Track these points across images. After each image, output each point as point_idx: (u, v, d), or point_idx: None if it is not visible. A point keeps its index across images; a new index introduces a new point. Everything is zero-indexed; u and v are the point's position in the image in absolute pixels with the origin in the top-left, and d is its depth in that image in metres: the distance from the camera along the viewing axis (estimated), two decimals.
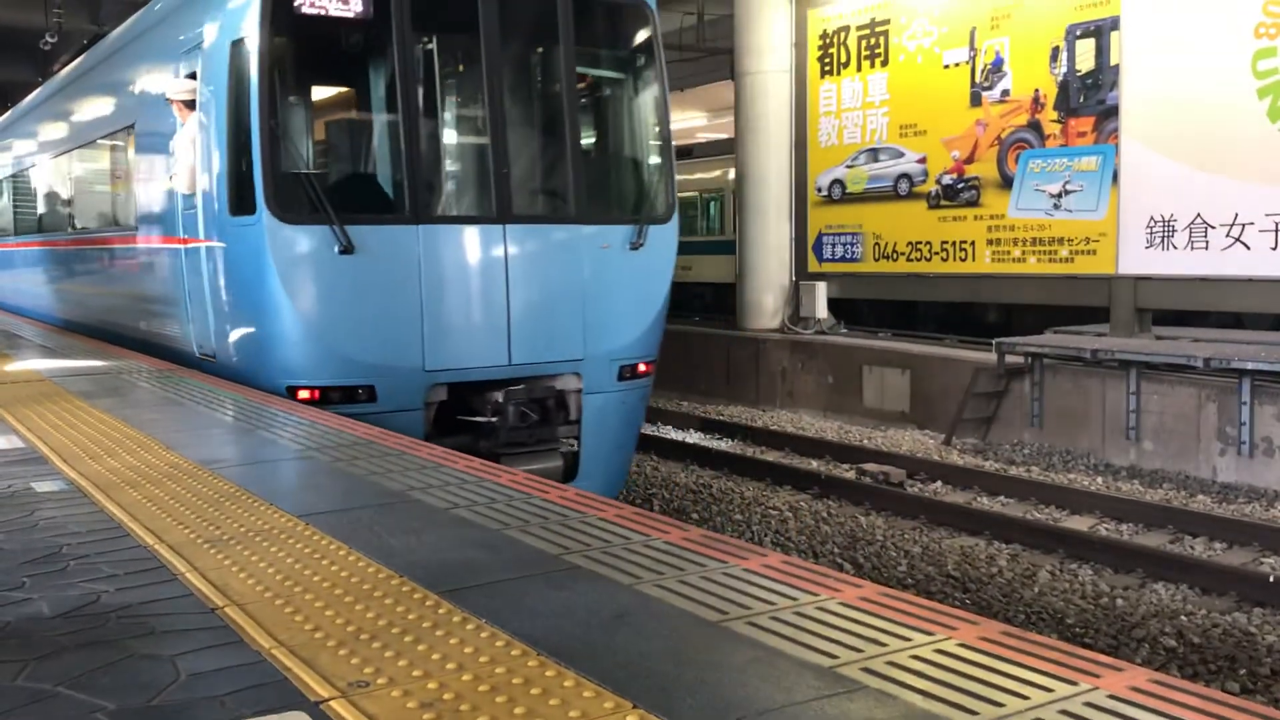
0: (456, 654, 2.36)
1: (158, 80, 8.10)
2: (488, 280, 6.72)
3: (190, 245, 7.36)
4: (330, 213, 6.26)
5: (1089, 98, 11.21)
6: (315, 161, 6.89)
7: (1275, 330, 11.26)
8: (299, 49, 6.65)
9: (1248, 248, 9.90)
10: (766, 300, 14.82)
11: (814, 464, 10.79)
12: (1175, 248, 10.43)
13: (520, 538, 3.27)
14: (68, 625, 2.59)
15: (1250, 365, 8.99)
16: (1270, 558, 7.46)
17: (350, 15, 6.33)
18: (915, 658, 2.31)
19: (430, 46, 6.85)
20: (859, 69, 13.70)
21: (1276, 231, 9.68)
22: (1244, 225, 9.90)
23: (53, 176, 12.52)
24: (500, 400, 6.64)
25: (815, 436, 12.04)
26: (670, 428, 13.06)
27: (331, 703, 2.11)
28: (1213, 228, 10.13)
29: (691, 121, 34.64)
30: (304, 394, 6.47)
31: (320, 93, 7.31)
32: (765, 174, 14.68)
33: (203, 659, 2.36)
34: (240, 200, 6.53)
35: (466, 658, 2.33)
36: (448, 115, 7.15)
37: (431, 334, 6.52)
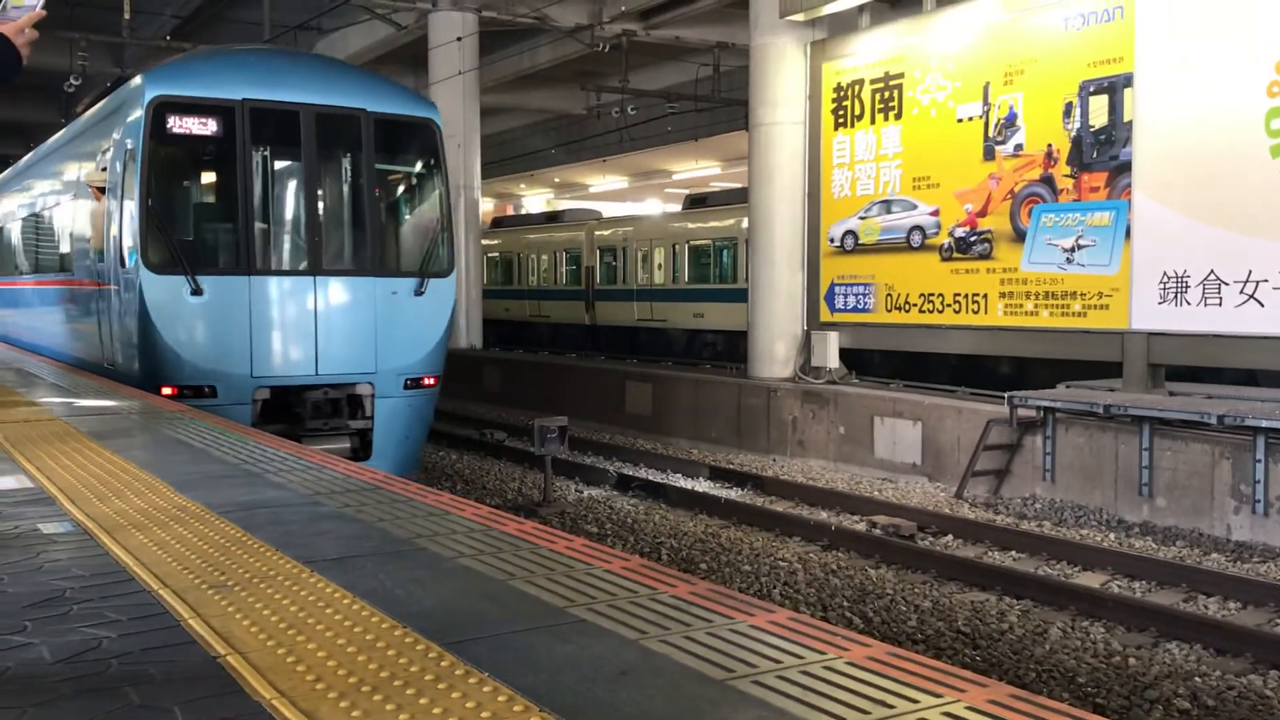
0: (458, 708, 2.33)
1: (84, 169, 11.08)
2: (301, 315, 9.23)
3: (102, 288, 9.96)
4: (186, 266, 8.85)
5: (1102, 153, 11.25)
6: (178, 230, 9.35)
7: None
8: (171, 155, 9.32)
9: (1261, 305, 9.87)
10: (778, 349, 14.82)
11: (824, 515, 10.73)
12: (1188, 304, 10.41)
13: (526, 589, 3.25)
14: (68, 671, 2.57)
15: (1265, 423, 8.93)
16: None
17: (208, 133, 9.07)
18: None
19: (265, 152, 9.45)
20: (873, 121, 13.79)
21: None
22: (1258, 282, 9.89)
23: (18, 231, 15.29)
24: (306, 400, 9.21)
25: (826, 487, 11.99)
26: (680, 476, 13.01)
27: None
28: (1226, 284, 10.12)
29: (706, 171, 34.86)
30: (167, 391, 8.83)
31: (184, 183, 9.90)
32: (778, 224, 14.74)
33: (203, 708, 2.33)
34: (127, 256, 9.05)
35: (467, 712, 2.31)
36: (276, 199, 9.70)
37: (258, 351, 9.03)
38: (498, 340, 28.94)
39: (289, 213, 9.70)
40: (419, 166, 10.33)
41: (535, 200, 43.87)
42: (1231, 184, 10.08)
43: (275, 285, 9.15)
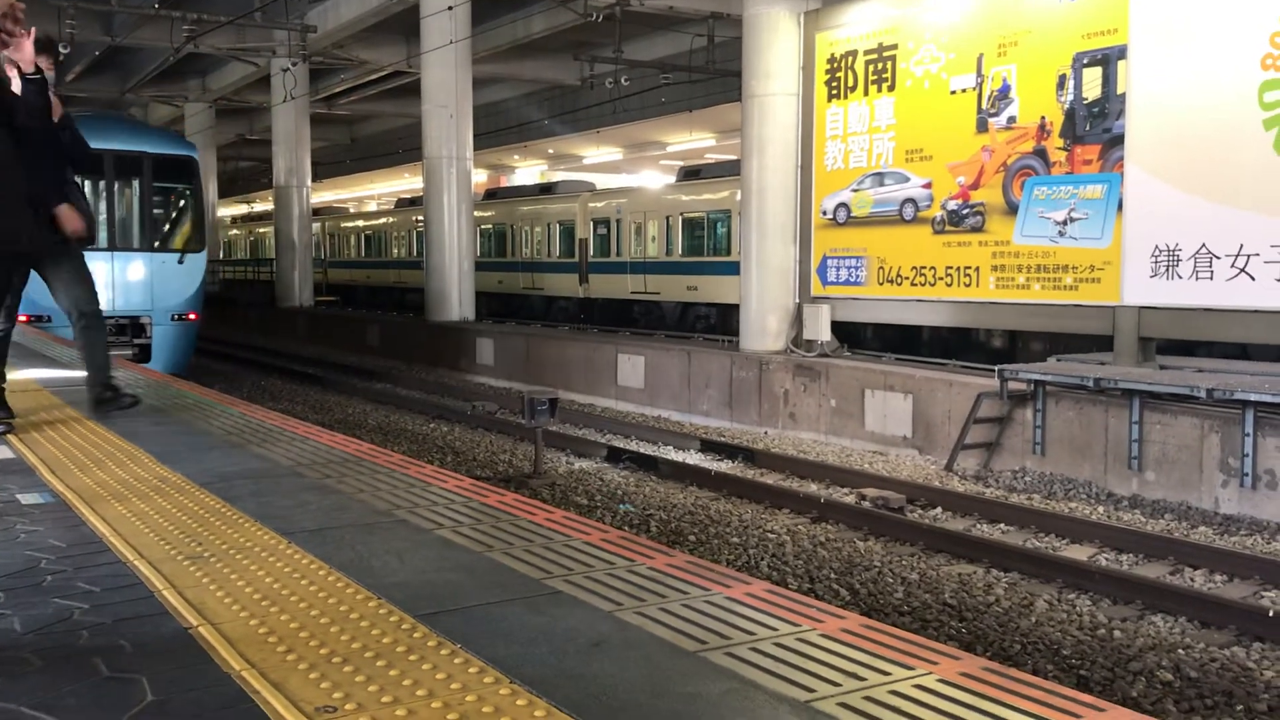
0: (428, 680, 2.32)
1: None
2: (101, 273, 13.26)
3: None
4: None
5: (1095, 126, 11.20)
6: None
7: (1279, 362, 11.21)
8: None
9: (1253, 279, 9.86)
10: (770, 322, 14.80)
11: (814, 487, 10.74)
12: (1180, 277, 10.40)
13: (503, 560, 3.24)
14: (38, 642, 2.56)
15: (1254, 397, 8.93)
16: (1271, 591, 7.39)
17: None
18: (893, 693, 2.27)
19: (90, 178, 14.41)
20: (866, 93, 13.71)
21: None
22: (1249, 256, 9.87)
23: None
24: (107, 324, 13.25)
25: (816, 459, 11.99)
26: (670, 448, 13.01)
27: None
28: (1218, 258, 10.10)
29: (700, 143, 34.72)
30: (22, 317, 10.80)
31: None
32: (771, 196, 14.68)
33: (172, 680, 2.32)
34: None
35: (438, 684, 2.30)
36: (95, 204, 14.24)
37: None
38: (491, 313, 28.88)
39: (102, 213, 15.16)
40: (181, 185, 16.44)
41: (529, 172, 43.70)
42: (1224, 157, 10.05)
43: (92, 256, 12.09)
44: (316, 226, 36.26)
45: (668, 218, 23.41)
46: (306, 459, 4.84)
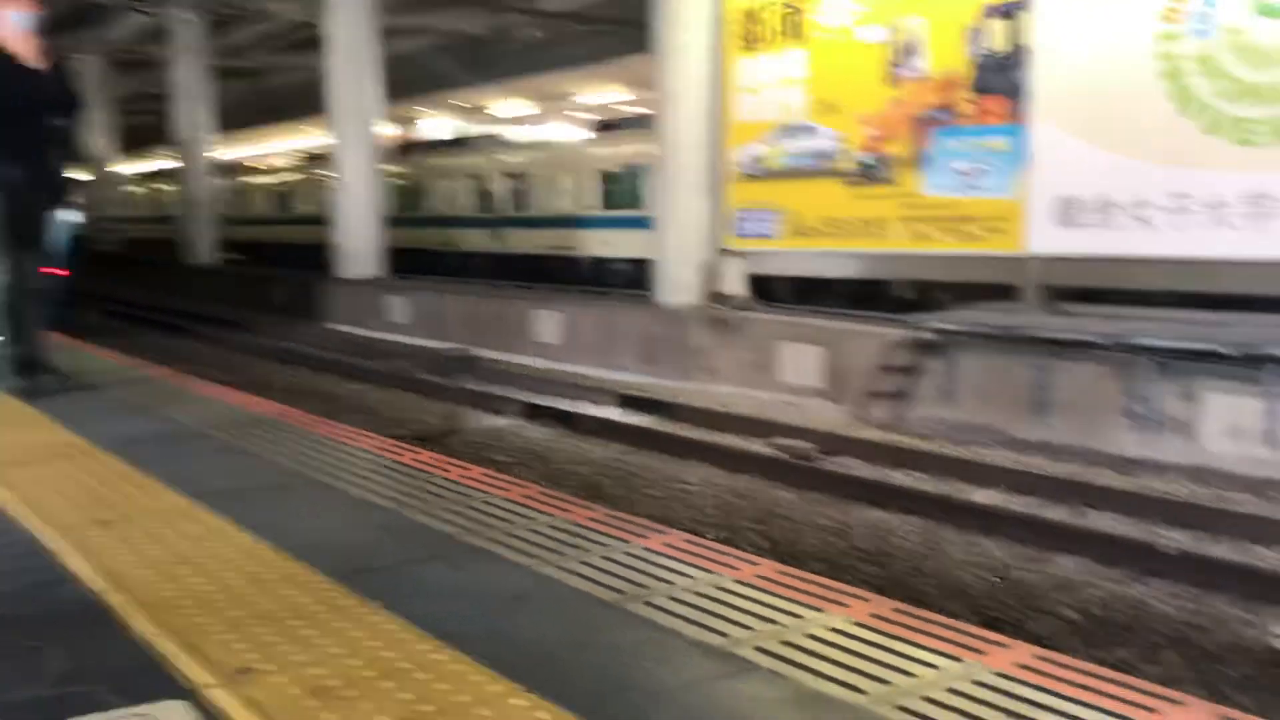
0: (348, 639, 2.31)
1: None
2: None
3: None
4: None
5: (1002, 78, 11.36)
6: None
7: (1178, 308, 11.55)
8: None
9: (1151, 227, 10.13)
10: (685, 276, 14.83)
11: (730, 439, 10.85)
12: (1082, 227, 10.65)
13: (421, 520, 3.23)
14: None
15: (1154, 342, 9.22)
16: (1168, 530, 7.67)
17: None
18: (808, 636, 2.32)
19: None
20: (778, 45, 13.73)
21: (1177, 212, 9.93)
22: (1148, 205, 10.14)
23: None
24: None
25: (732, 412, 12.10)
26: (587, 404, 13.03)
27: (212, 690, 2.06)
28: (1119, 208, 10.36)
29: (614, 95, 34.47)
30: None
31: None
32: (684, 149, 14.65)
33: (82, 647, 2.28)
34: None
35: (355, 643, 2.29)
36: None
37: None
38: (403, 269, 28.48)
39: None
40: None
41: (440, 125, 43.04)
42: (1124, 109, 10.27)
43: None
44: (222, 182, 35.34)
45: (582, 171, 23.27)
46: (214, 420, 4.75)
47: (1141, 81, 10.03)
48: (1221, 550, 7.07)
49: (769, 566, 2.78)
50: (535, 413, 12.13)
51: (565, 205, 24.01)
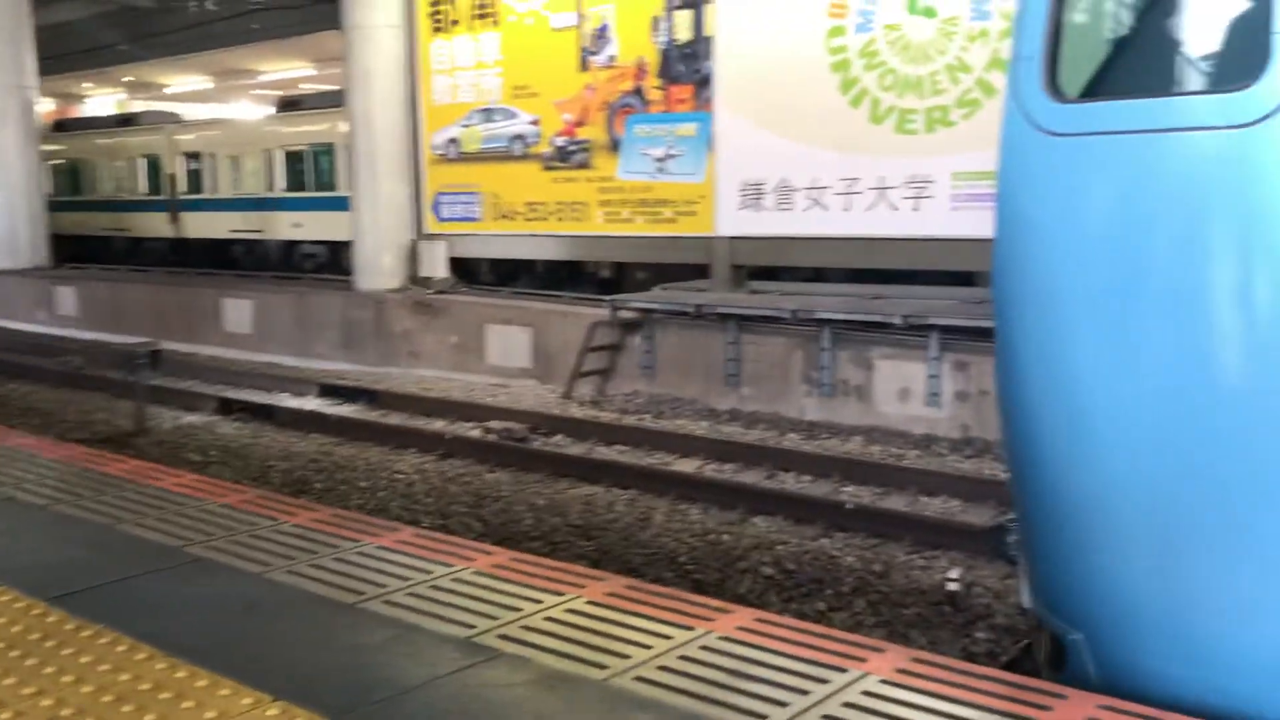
0: (73, 665, 2.22)
1: None
2: None
3: None
4: None
5: (688, 67, 11.90)
6: None
7: (850, 283, 12.54)
8: None
9: (826, 209, 10.96)
10: (385, 260, 14.60)
11: (439, 424, 10.83)
12: (765, 209, 11.37)
13: (135, 532, 3.10)
14: None
15: (830, 315, 10.02)
16: (849, 486, 8.37)
17: None
18: (549, 619, 2.44)
19: None
20: (471, 28, 13.72)
21: (848, 195, 10.80)
22: (822, 189, 10.96)
23: None
24: None
25: (440, 397, 12.07)
26: (287, 395, 12.60)
27: None
28: (796, 191, 11.13)
29: (298, 72, 33.14)
30: None
31: None
32: (379, 131, 14.39)
33: None
34: None
35: (85, 668, 2.20)
36: None
37: None
38: (70, 257, 26.28)
39: None
40: None
41: (105, 101, 39.87)
42: (799, 98, 11.03)
43: None
44: None
45: (267, 151, 22.28)
46: None
47: (815, 73, 10.81)
48: (896, 503, 7.81)
49: (504, 555, 2.87)
50: (230, 407, 11.61)
51: (251, 186, 22.94)
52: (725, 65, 11.52)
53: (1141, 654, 2.40)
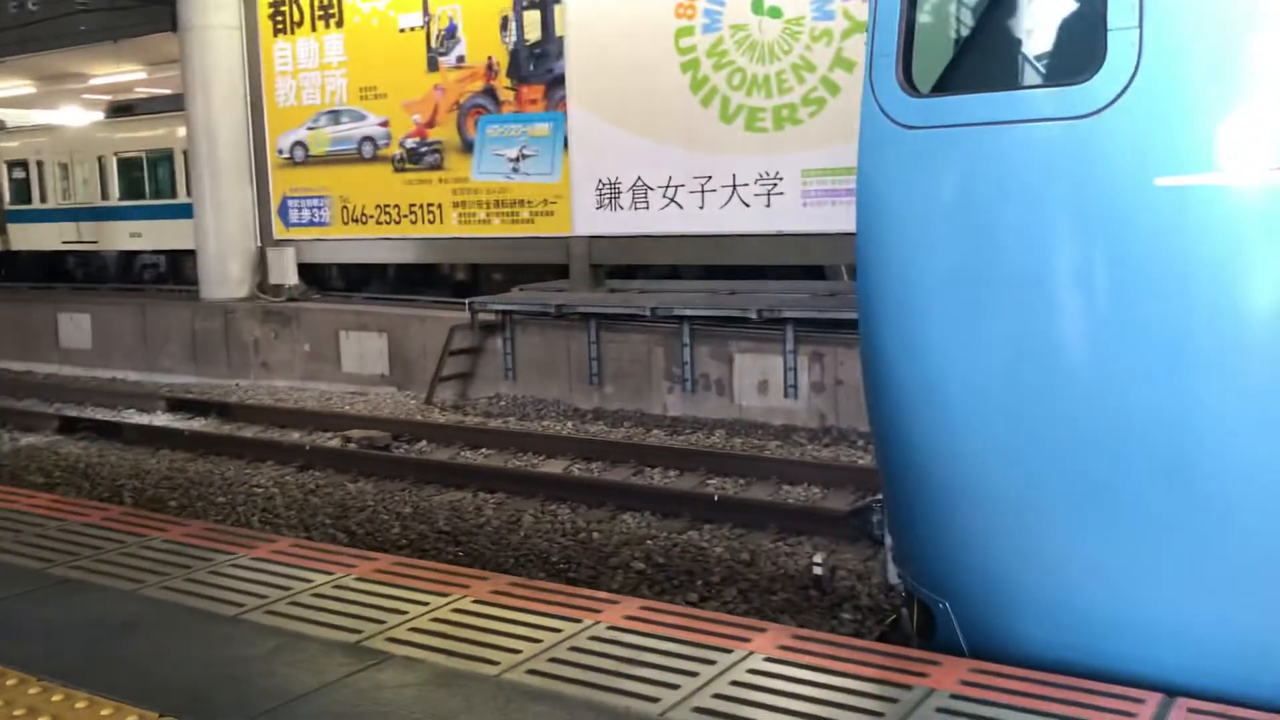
0: None
1: None
2: None
3: None
4: None
5: (538, 66, 11.91)
6: None
7: (706, 279, 12.75)
8: None
9: (680, 207, 11.12)
10: (232, 268, 14.17)
11: (296, 435, 10.59)
12: (622, 208, 11.47)
13: None
14: None
15: (689, 312, 10.18)
16: (714, 479, 8.53)
17: None
18: (436, 620, 2.45)
19: None
20: (314, 29, 13.43)
21: (702, 193, 10.98)
22: (677, 187, 11.11)
23: None
24: None
25: (295, 406, 11.80)
26: (133, 411, 12.13)
27: None
28: (652, 189, 11.27)
29: (130, 75, 31.82)
30: None
31: None
32: (221, 135, 13.96)
33: None
34: None
35: None
36: None
37: None
38: None
39: None
40: None
41: None
42: (651, 97, 11.16)
43: None
44: None
45: (100, 158, 21.35)
46: None
47: (665, 73, 10.96)
48: (759, 493, 7.99)
49: (386, 560, 2.86)
50: (74, 426, 11.12)
51: (84, 195, 21.94)
52: (577, 65, 11.58)
53: (1003, 618, 2.55)
